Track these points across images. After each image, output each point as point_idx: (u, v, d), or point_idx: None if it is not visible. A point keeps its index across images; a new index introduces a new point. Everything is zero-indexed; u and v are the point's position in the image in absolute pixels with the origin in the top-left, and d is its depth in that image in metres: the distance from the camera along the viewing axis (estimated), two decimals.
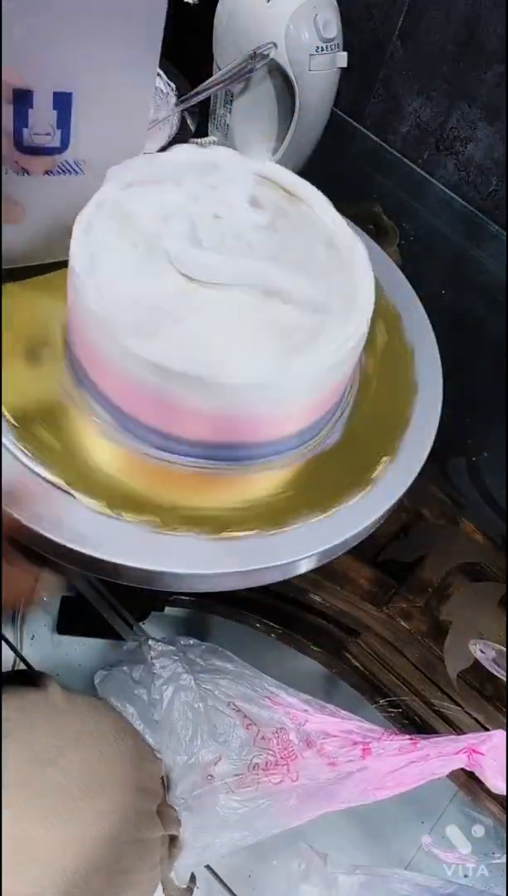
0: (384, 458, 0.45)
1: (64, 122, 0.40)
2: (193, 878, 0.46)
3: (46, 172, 0.42)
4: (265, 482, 0.42)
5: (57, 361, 0.44)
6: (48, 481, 0.40)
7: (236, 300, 0.40)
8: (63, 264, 0.40)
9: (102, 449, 0.41)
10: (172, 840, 0.42)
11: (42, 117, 0.39)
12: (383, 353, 0.51)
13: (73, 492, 0.39)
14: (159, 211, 0.41)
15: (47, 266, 0.46)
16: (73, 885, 0.34)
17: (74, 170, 0.43)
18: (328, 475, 0.44)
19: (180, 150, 0.45)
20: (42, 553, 0.39)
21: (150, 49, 0.40)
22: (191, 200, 0.42)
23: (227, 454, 0.42)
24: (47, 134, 0.40)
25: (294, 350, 0.39)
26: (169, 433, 0.40)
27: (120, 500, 0.40)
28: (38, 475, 0.40)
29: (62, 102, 0.39)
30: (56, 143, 0.41)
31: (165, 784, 0.44)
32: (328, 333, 0.40)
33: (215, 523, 0.40)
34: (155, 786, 0.41)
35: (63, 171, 0.42)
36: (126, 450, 0.41)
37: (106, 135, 0.42)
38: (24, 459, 0.40)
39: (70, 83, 0.39)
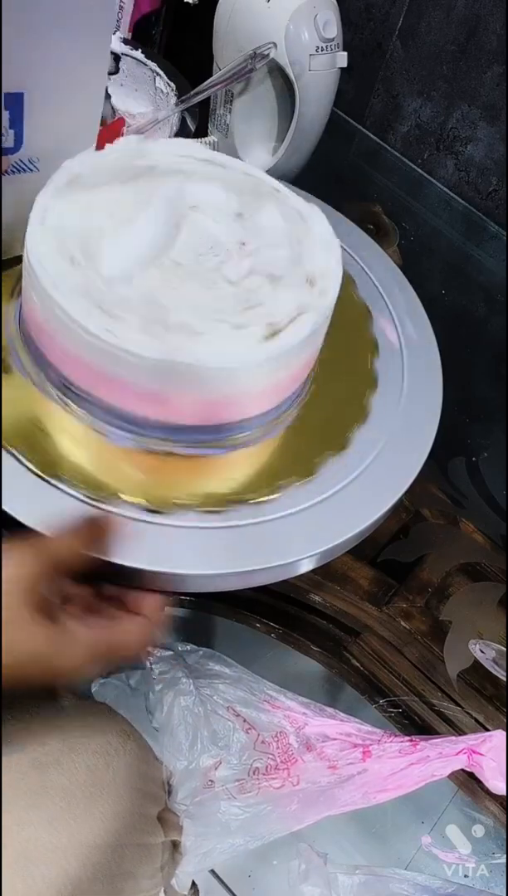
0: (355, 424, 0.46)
1: (17, 121, 0.40)
2: (193, 885, 0.46)
3: (3, 172, 0.42)
4: (245, 458, 0.43)
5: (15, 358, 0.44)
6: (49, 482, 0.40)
7: (202, 282, 0.40)
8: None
9: (81, 439, 0.42)
10: (174, 846, 0.41)
11: None
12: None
13: (59, 484, 0.39)
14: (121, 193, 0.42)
15: (11, 261, 0.46)
16: (76, 890, 0.33)
17: (30, 168, 0.43)
18: (304, 444, 0.45)
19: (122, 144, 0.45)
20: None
21: (100, 44, 0.40)
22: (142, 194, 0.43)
23: (205, 437, 0.42)
24: (1, 135, 0.40)
25: (261, 332, 0.39)
26: (140, 416, 0.41)
27: (105, 487, 0.40)
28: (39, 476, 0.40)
29: (14, 102, 0.39)
30: (10, 143, 0.41)
31: (167, 789, 0.43)
32: (296, 311, 0.40)
33: (206, 500, 0.41)
34: (157, 790, 0.40)
35: (19, 170, 0.42)
36: (96, 437, 0.42)
37: (60, 131, 0.42)
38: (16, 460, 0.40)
39: (21, 83, 0.39)
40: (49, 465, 0.40)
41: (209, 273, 0.41)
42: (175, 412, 0.40)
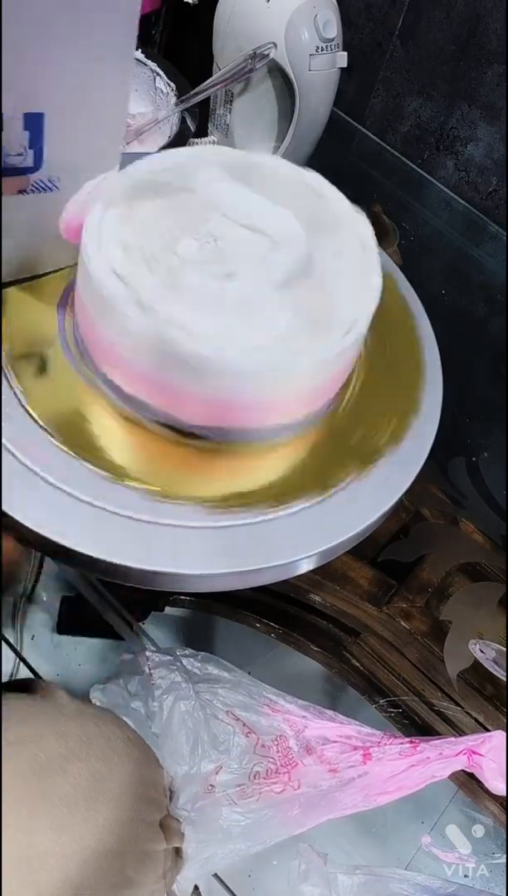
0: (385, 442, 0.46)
1: (36, 141, 0.40)
2: (195, 888, 0.45)
3: (21, 191, 0.42)
4: (269, 462, 0.43)
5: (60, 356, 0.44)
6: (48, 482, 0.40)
7: (243, 281, 0.40)
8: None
9: (108, 425, 0.42)
10: (176, 852, 0.41)
11: (14, 139, 0.39)
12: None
13: (82, 460, 0.40)
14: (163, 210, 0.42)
15: (30, 279, 0.46)
16: None
17: (49, 187, 0.42)
18: (329, 455, 0.44)
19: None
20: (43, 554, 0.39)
21: (122, 61, 0.40)
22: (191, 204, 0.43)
23: (233, 436, 0.42)
24: (19, 154, 0.40)
25: (301, 336, 0.39)
26: (169, 414, 0.41)
27: (123, 470, 0.40)
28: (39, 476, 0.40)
29: (33, 123, 0.39)
30: (29, 162, 0.40)
31: (169, 794, 0.43)
32: (336, 318, 0.40)
33: (216, 498, 0.40)
34: (160, 797, 0.40)
35: (38, 189, 0.42)
36: (128, 426, 0.42)
37: (80, 149, 0.42)
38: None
39: (41, 103, 0.38)
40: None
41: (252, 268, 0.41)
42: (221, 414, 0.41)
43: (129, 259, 0.39)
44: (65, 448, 0.40)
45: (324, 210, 0.46)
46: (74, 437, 0.41)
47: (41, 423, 0.41)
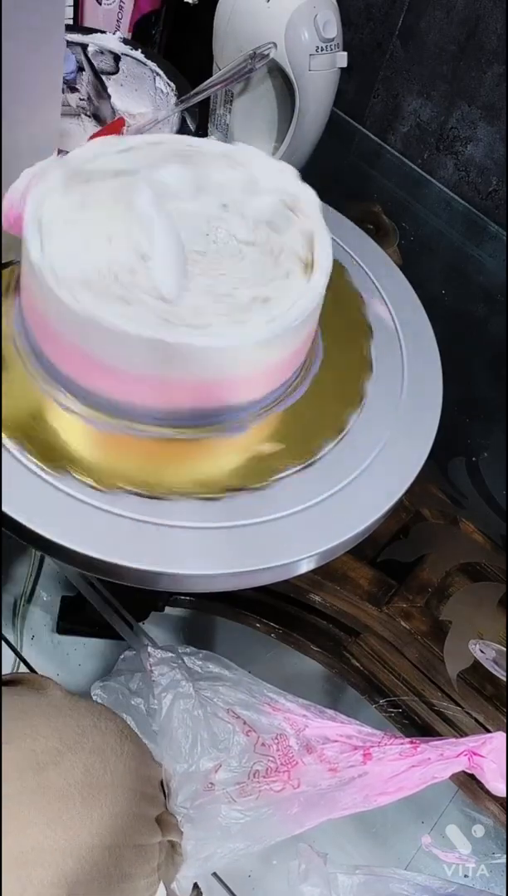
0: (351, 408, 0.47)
1: None
2: (195, 886, 0.45)
3: None
4: (239, 443, 0.43)
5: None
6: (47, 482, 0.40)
7: (233, 256, 0.41)
8: None
9: (75, 428, 0.42)
10: (173, 846, 0.41)
11: None
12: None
13: (63, 474, 0.40)
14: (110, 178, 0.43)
15: None
16: (73, 892, 0.33)
17: None
18: (302, 426, 0.45)
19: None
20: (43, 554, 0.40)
21: (53, 46, 0.39)
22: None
23: (200, 421, 0.42)
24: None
25: (253, 312, 0.39)
26: (130, 402, 0.41)
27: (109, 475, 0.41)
28: (32, 471, 0.40)
29: None
30: None
31: (165, 790, 0.43)
32: (289, 292, 0.41)
33: (203, 486, 0.41)
34: (155, 791, 0.40)
35: None
36: (93, 425, 0.42)
37: (15, 137, 0.42)
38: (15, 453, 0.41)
39: None
40: (47, 457, 0.41)
41: (229, 246, 0.42)
42: (172, 397, 0.41)
43: (82, 255, 0.39)
44: (40, 463, 0.41)
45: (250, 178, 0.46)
46: (45, 449, 0.41)
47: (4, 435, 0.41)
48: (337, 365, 0.48)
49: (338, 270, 0.54)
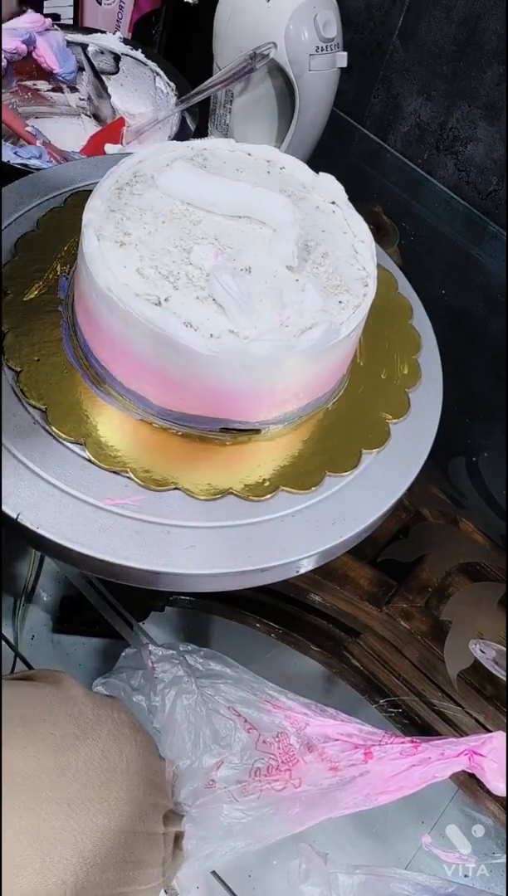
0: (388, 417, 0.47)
1: None
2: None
3: None
4: (265, 455, 0.44)
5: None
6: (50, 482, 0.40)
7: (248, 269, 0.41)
8: None
9: (105, 414, 0.43)
10: (176, 840, 0.42)
11: None
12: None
13: (88, 455, 0.41)
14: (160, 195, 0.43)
15: None
16: (89, 873, 0.34)
17: None
18: (332, 441, 0.45)
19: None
20: (43, 554, 0.40)
21: None
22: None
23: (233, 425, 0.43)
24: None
25: (301, 326, 0.39)
26: (169, 407, 0.42)
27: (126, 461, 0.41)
28: (40, 477, 0.40)
29: None
30: None
31: (172, 785, 0.44)
32: (335, 308, 0.41)
33: (220, 486, 0.41)
34: (163, 782, 0.41)
35: None
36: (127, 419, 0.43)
37: None
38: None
39: None
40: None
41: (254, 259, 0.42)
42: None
43: (146, 281, 0.39)
44: (62, 435, 0.41)
45: (290, 180, 0.47)
46: (71, 427, 0.42)
47: (35, 409, 0.42)
48: (366, 392, 0.48)
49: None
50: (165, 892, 0.43)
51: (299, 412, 0.44)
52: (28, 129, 0.64)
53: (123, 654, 0.52)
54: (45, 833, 0.34)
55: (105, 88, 0.70)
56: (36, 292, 0.47)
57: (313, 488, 0.43)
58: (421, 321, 0.54)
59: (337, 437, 0.45)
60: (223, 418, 0.42)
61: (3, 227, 0.49)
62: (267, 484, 0.42)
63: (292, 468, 0.43)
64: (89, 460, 0.41)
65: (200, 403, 0.41)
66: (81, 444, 0.41)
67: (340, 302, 0.42)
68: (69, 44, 0.68)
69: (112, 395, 0.43)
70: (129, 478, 0.41)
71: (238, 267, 0.41)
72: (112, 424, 0.43)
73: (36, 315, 0.46)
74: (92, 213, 0.41)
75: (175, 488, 0.41)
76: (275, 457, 0.44)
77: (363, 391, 0.48)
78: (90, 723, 0.39)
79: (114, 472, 0.41)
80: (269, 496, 0.42)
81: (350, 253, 0.44)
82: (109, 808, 0.36)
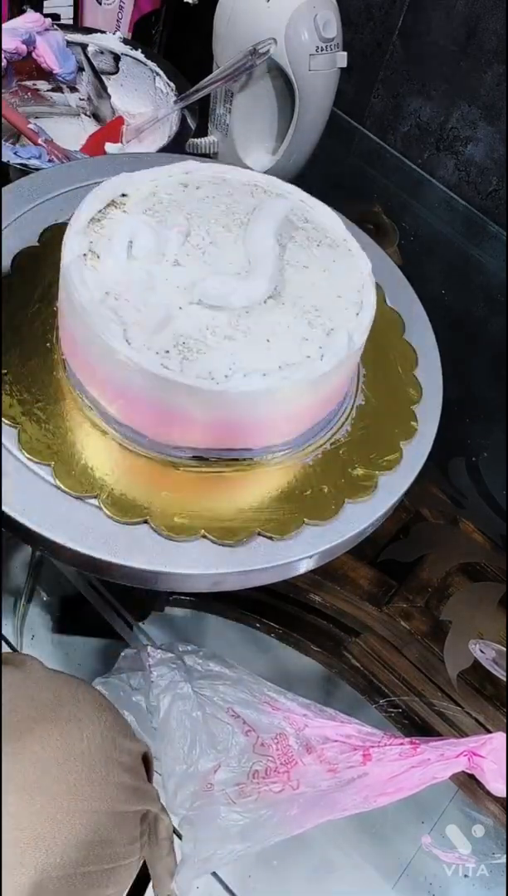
0: (394, 457, 0.45)
1: None
2: None
3: None
4: (269, 483, 0.43)
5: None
6: (49, 483, 0.40)
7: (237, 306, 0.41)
8: None
9: (100, 451, 0.42)
10: (156, 821, 0.42)
11: None
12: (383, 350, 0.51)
13: (79, 495, 0.40)
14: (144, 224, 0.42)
15: None
16: (50, 854, 0.34)
17: None
18: (334, 475, 0.44)
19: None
20: (44, 553, 0.40)
21: None
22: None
23: (227, 455, 0.42)
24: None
25: (292, 356, 0.39)
26: (166, 441, 0.41)
27: (119, 503, 0.40)
28: (41, 477, 0.40)
29: None
30: None
31: (148, 766, 0.43)
32: (329, 337, 0.40)
33: (218, 529, 0.40)
34: (134, 762, 0.41)
35: None
36: (122, 452, 0.42)
37: None
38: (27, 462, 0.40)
39: None
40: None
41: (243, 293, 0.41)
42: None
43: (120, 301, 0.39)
44: (63, 487, 0.40)
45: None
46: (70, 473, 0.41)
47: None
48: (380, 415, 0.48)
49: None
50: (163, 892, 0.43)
51: (303, 439, 0.44)
52: (30, 126, 0.64)
53: (123, 654, 0.52)
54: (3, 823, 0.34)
55: (105, 88, 0.70)
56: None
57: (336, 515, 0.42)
58: (420, 321, 0.54)
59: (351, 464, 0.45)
60: (228, 447, 0.41)
61: (2, 227, 0.49)
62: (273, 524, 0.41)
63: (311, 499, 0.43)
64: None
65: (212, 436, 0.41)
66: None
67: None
68: (69, 44, 0.68)
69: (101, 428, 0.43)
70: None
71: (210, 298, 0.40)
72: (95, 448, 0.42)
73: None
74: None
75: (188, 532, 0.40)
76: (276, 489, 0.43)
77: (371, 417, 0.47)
78: (50, 705, 0.38)
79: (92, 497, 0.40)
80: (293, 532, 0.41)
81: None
82: (67, 790, 0.36)
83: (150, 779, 0.42)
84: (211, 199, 0.45)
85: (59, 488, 0.40)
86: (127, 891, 0.40)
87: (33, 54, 0.66)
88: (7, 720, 0.37)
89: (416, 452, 0.46)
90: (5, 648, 0.60)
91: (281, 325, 0.40)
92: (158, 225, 0.42)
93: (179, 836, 0.45)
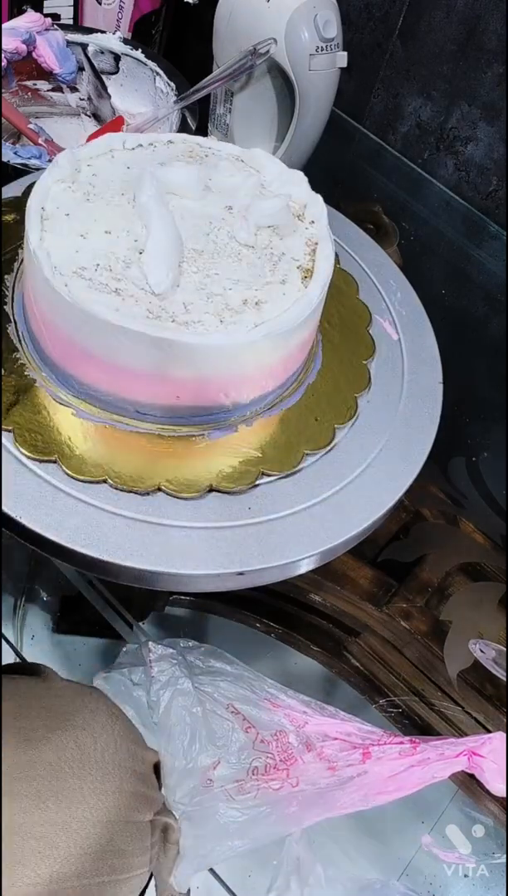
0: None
1: None
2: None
3: None
4: (227, 445, 0.43)
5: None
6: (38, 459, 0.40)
7: (230, 256, 0.42)
8: None
9: (70, 422, 0.42)
10: (166, 832, 0.42)
11: None
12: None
13: (59, 463, 0.40)
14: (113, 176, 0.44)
15: None
16: (65, 864, 0.34)
17: None
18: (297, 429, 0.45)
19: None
20: (43, 554, 0.40)
21: None
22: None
23: (198, 418, 0.43)
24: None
25: (243, 314, 0.40)
26: (116, 394, 0.42)
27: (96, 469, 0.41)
28: (32, 470, 0.40)
29: None
30: None
31: (160, 778, 0.44)
32: (284, 298, 0.41)
33: (185, 486, 0.41)
34: (147, 771, 0.41)
35: None
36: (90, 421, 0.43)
37: None
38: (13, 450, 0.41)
39: None
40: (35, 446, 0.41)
41: (228, 247, 0.42)
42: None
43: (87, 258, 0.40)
44: (27, 451, 0.41)
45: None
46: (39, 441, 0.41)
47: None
48: (336, 374, 0.49)
49: (350, 285, 0.54)
50: (164, 892, 0.43)
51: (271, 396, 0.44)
52: (30, 126, 0.64)
53: (124, 649, 0.52)
54: (15, 827, 0.34)
55: (105, 88, 0.70)
56: None
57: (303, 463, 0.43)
58: (420, 322, 0.54)
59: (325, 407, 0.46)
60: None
61: (2, 226, 0.49)
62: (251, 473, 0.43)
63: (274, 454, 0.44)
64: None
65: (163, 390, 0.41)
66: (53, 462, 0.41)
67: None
68: (69, 44, 0.68)
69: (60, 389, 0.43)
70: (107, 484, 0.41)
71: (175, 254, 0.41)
72: (74, 431, 0.42)
73: None
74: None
75: (158, 491, 0.41)
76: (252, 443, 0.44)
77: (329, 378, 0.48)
78: (65, 714, 0.39)
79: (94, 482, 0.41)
80: (257, 483, 0.42)
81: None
82: (83, 798, 0.36)
83: (160, 787, 0.42)
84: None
85: (58, 487, 0.40)
86: None
87: (33, 54, 0.66)
88: (23, 728, 0.37)
89: (417, 451, 0.46)
90: (5, 648, 0.60)
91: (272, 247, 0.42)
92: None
93: None
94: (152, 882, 0.42)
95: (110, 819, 0.36)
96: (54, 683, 0.40)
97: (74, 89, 0.71)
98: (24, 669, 0.41)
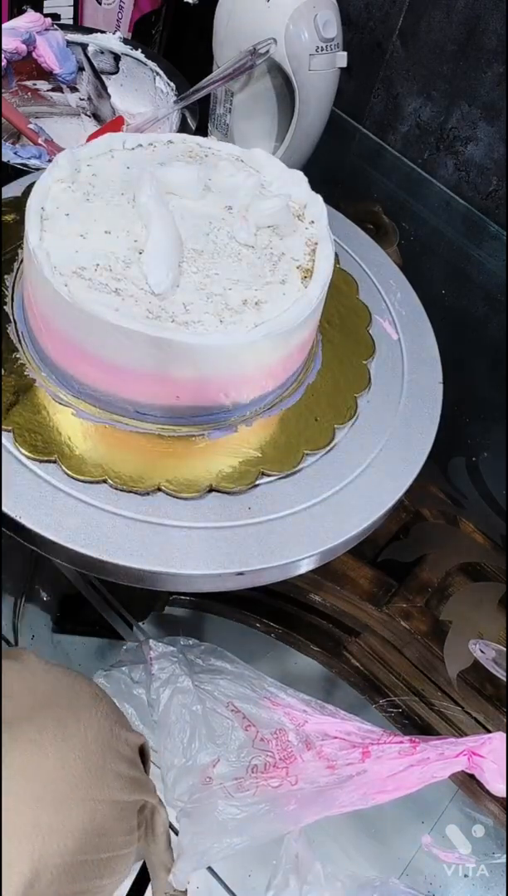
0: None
1: None
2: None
3: None
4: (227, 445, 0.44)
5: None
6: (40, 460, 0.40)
7: (230, 256, 0.42)
8: None
9: (70, 422, 0.43)
10: (153, 812, 0.42)
11: None
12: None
13: (59, 463, 0.41)
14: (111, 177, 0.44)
15: None
16: (47, 841, 0.34)
17: None
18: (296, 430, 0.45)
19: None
20: (43, 554, 0.40)
21: None
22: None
23: (198, 418, 0.43)
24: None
25: (243, 314, 0.40)
26: (116, 394, 0.42)
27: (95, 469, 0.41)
28: (32, 471, 0.40)
29: None
30: None
31: (144, 760, 0.44)
32: (283, 298, 0.41)
33: (194, 486, 0.41)
34: (131, 753, 0.41)
35: None
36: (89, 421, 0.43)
37: None
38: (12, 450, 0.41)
39: None
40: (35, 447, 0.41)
41: (228, 247, 0.42)
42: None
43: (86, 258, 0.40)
44: (30, 454, 0.41)
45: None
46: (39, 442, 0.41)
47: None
48: (336, 374, 0.49)
49: (350, 285, 0.54)
50: (164, 892, 0.43)
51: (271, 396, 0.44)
52: (30, 126, 0.64)
53: (125, 647, 0.52)
54: None
55: (105, 88, 0.70)
56: None
57: (303, 462, 0.43)
58: (420, 322, 0.54)
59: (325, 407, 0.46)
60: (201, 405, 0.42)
61: (1, 226, 0.49)
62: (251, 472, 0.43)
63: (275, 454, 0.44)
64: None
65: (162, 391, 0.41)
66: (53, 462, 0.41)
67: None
68: (69, 44, 0.68)
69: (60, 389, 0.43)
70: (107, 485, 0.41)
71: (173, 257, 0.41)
72: (74, 431, 0.42)
73: None
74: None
75: (158, 491, 0.41)
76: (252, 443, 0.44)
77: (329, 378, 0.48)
78: (48, 694, 0.39)
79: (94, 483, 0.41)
80: (257, 483, 0.42)
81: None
82: (65, 777, 0.36)
83: (147, 770, 0.42)
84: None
85: (58, 487, 0.40)
86: (126, 883, 0.40)
87: (33, 54, 0.66)
88: (5, 708, 0.37)
89: (417, 451, 0.46)
90: (5, 648, 0.60)
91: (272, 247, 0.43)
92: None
93: (176, 832, 0.45)
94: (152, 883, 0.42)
95: (94, 798, 0.37)
96: (37, 666, 0.40)
97: (74, 89, 0.71)
98: (3, 653, 0.41)
